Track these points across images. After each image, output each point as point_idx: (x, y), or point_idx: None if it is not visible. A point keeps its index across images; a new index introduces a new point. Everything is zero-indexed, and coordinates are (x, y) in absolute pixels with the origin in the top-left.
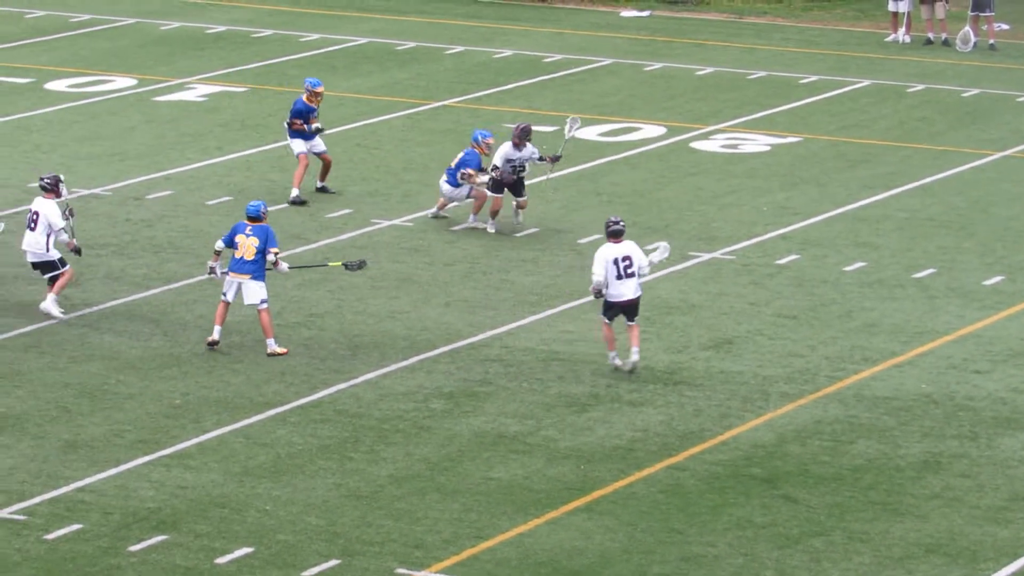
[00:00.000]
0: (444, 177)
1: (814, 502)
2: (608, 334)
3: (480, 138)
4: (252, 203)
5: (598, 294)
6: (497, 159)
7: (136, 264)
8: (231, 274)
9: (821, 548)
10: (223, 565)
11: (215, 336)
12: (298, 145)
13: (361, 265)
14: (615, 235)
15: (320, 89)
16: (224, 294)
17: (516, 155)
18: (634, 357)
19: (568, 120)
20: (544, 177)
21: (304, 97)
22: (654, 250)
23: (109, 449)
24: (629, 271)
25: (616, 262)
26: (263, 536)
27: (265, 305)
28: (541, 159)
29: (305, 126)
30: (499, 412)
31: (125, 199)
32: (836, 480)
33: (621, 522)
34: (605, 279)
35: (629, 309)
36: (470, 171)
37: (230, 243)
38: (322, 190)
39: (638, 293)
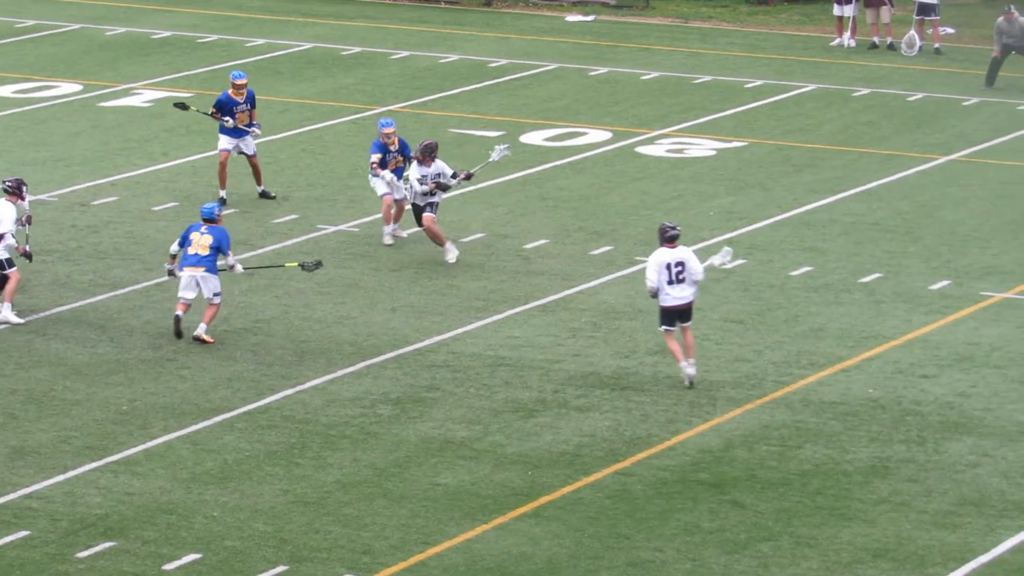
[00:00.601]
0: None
1: (761, 507)
2: (673, 346)
3: (379, 127)
4: (206, 205)
5: (654, 296)
6: (412, 178)
7: (82, 270)
8: (186, 269)
9: (769, 553)
10: (171, 571)
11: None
12: (221, 141)
13: (317, 265)
14: (670, 240)
15: (241, 82)
16: (181, 298)
17: (425, 171)
18: (690, 370)
19: (497, 147)
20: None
21: (229, 90)
22: (715, 254)
23: (56, 455)
24: (681, 276)
25: (669, 267)
26: (211, 542)
27: (218, 299)
28: (454, 175)
29: (226, 119)
30: (446, 418)
31: (71, 205)
32: (783, 485)
33: (568, 527)
34: (658, 284)
35: (683, 314)
36: (373, 160)
37: (184, 244)
38: (263, 195)
39: (691, 298)
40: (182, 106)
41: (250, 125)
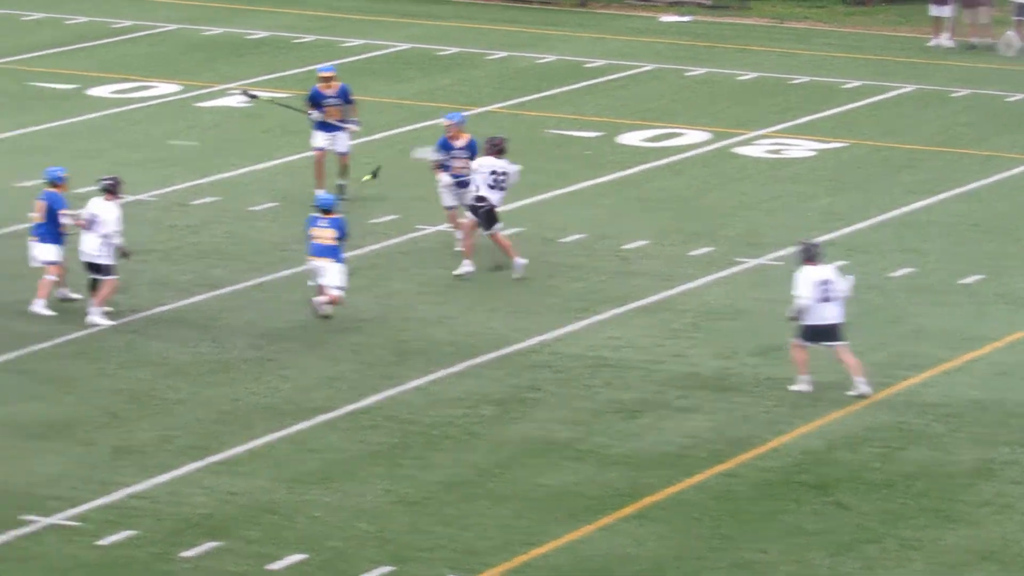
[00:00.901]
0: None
1: (866, 509)
2: (800, 357)
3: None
4: (323, 195)
5: (796, 317)
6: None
7: (182, 270)
8: (311, 258)
9: (874, 555)
10: (275, 571)
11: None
12: (315, 138)
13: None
14: (815, 258)
15: (327, 74)
16: (312, 281)
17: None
18: (863, 388)
19: (419, 150)
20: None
21: (318, 84)
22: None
23: (159, 455)
24: (831, 294)
25: (819, 285)
26: (314, 542)
27: (337, 292)
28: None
29: (312, 112)
30: (548, 418)
31: (170, 205)
32: (888, 487)
33: (673, 528)
34: (810, 302)
35: (832, 333)
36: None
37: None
38: (339, 188)
39: (841, 318)
40: (250, 95)
41: (344, 122)
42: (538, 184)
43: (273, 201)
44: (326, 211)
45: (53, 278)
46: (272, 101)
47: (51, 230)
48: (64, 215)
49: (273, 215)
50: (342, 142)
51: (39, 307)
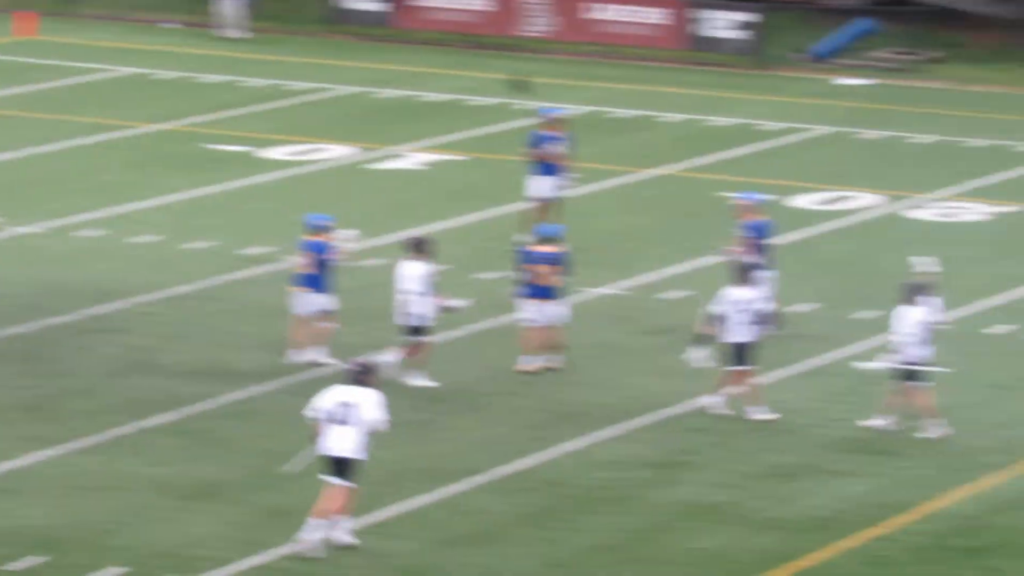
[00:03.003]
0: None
1: (1022, 574)
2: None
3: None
4: (547, 226)
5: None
6: None
7: (350, 331)
8: (532, 300)
9: None
10: None
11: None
12: (535, 185)
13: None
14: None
15: (556, 116)
16: (533, 320)
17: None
18: (935, 431)
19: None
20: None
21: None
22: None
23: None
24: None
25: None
26: None
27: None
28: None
29: (540, 153)
30: (703, 481)
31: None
32: None
33: None
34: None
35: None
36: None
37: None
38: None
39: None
40: (521, 85)
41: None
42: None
43: (445, 264)
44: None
45: (330, 325)
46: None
47: (321, 278)
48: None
49: (443, 279)
50: (561, 187)
51: (322, 356)
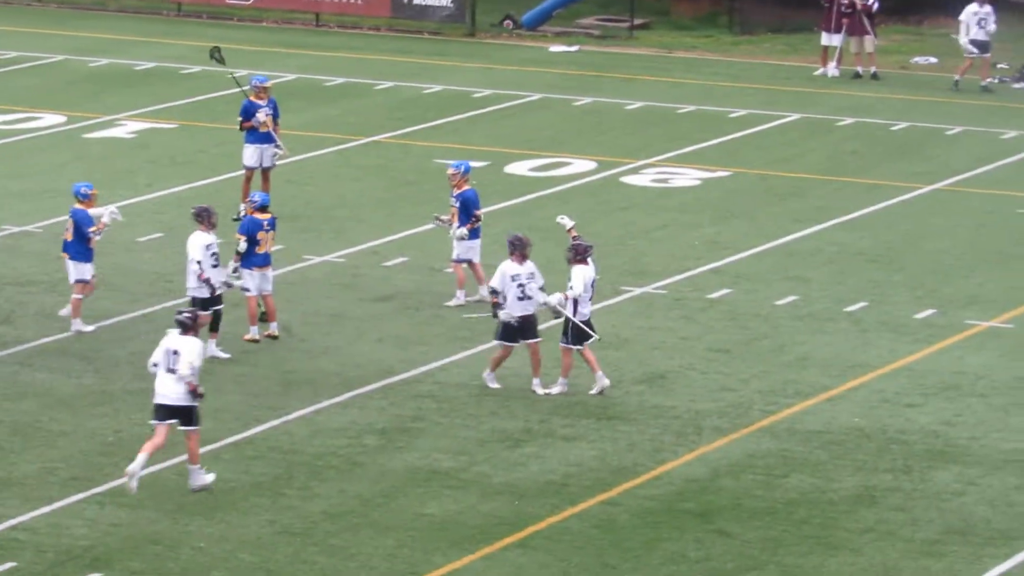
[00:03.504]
0: None
1: (748, 536)
2: (588, 356)
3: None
4: (261, 194)
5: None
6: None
7: (67, 301)
8: (255, 269)
9: None
10: None
11: (254, 334)
12: (246, 156)
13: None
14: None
15: (263, 84)
16: (247, 289)
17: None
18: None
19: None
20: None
21: (251, 96)
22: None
23: (42, 487)
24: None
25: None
26: (197, 573)
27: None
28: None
29: (251, 122)
30: (432, 448)
31: (56, 236)
32: (770, 514)
33: (555, 557)
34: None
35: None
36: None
37: (253, 241)
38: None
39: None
40: (217, 57)
41: (269, 136)
42: (426, 214)
43: (160, 232)
44: (264, 209)
45: (80, 296)
46: (232, 75)
47: (81, 248)
48: (92, 231)
49: (158, 245)
50: (268, 157)
51: (78, 325)
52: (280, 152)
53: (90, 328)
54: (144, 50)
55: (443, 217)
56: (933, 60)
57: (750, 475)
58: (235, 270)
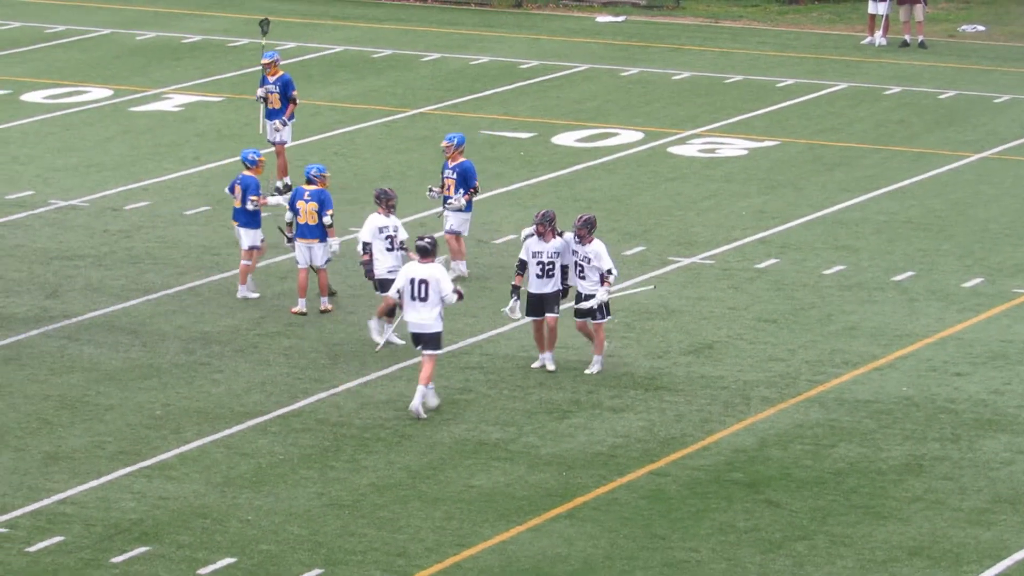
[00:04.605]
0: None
1: (796, 506)
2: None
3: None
4: (309, 165)
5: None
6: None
7: (115, 275)
8: (299, 240)
9: (804, 552)
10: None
11: (302, 307)
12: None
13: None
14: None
15: (266, 60)
16: (298, 263)
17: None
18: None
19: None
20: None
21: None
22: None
23: (90, 461)
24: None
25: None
26: (245, 546)
27: (327, 265)
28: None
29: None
30: (480, 419)
31: (103, 210)
32: (818, 484)
33: (603, 528)
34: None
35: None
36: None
37: (294, 209)
38: (277, 190)
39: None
40: (264, 28)
41: (277, 112)
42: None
43: (206, 205)
44: (310, 181)
45: (249, 263)
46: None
47: (249, 214)
48: (251, 201)
49: (206, 219)
50: (281, 133)
51: (245, 291)
52: (279, 127)
53: (256, 294)
54: (191, 23)
55: (435, 189)
56: (981, 28)
57: (798, 445)
58: (289, 240)
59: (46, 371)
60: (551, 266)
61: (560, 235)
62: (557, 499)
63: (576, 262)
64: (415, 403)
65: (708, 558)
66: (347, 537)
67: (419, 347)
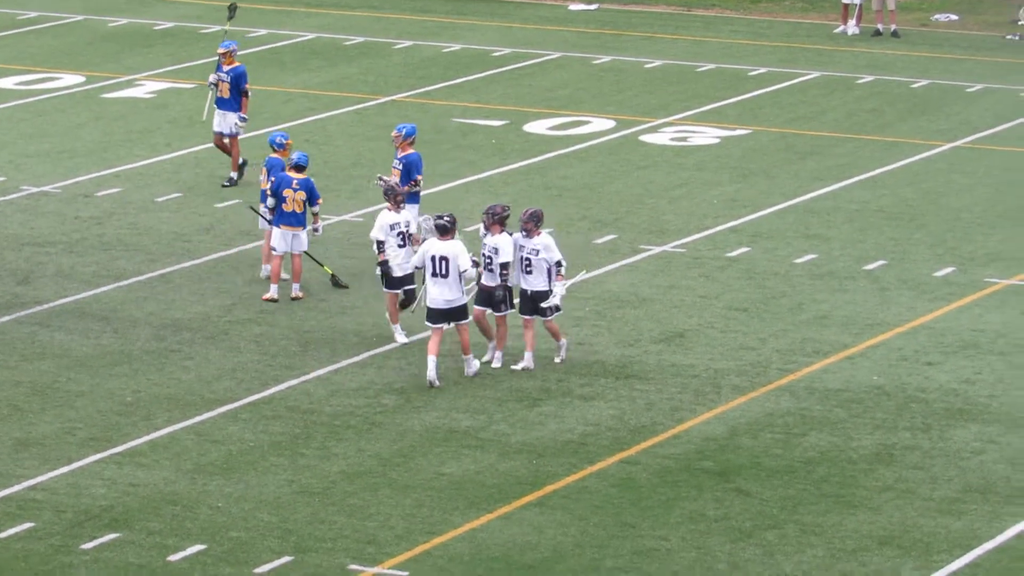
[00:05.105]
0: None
1: (767, 495)
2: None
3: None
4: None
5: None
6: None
7: (86, 262)
8: (283, 227)
9: (774, 541)
10: (176, 562)
11: (273, 294)
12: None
13: (339, 285)
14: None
15: (222, 50)
16: (274, 248)
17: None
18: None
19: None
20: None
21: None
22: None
23: (60, 447)
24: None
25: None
26: (215, 533)
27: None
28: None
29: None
30: (450, 407)
31: (74, 196)
32: (788, 473)
33: (573, 516)
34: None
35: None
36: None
37: (278, 196)
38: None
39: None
40: (231, 14)
41: (226, 102)
42: (445, 173)
43: (178, 192)
44: (298, 168)
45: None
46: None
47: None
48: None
49: (177, 206)
50: (229, 124)
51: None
52: (240, 124)
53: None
54: (163, 9)
55: (384, 177)
56: (954, 17)
57: (769, 434)
58: (269, 223)
59: (17, 357)
60: (489, 261)
61: (502, 231)
62: (527, 487)
63: (523, 257)
64: (431, 372)
65: (678, 546)
66: (317, 524)
67: (443, 324)
